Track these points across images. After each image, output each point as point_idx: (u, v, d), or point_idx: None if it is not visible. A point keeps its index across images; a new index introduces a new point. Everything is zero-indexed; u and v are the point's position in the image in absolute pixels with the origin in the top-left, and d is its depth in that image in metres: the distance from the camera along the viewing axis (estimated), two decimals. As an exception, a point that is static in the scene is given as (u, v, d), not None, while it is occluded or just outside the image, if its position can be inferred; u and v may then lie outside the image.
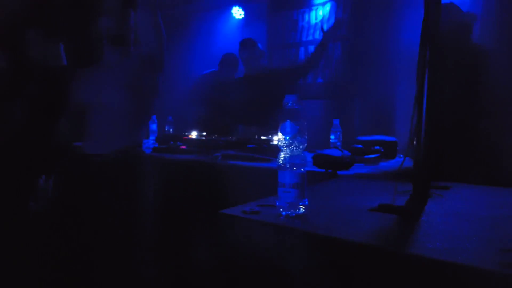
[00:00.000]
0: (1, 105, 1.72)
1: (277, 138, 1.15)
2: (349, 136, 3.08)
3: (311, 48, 5.33)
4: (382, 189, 1.53)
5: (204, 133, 3.37)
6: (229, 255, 1.15)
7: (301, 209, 1.12)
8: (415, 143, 1.32)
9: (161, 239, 2.25)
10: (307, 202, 1.14)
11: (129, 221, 1.92)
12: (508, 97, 2.36)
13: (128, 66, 1.98)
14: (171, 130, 4.11)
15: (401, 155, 2.74)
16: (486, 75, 2.38)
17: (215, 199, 2.22)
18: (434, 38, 1.30)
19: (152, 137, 3.70)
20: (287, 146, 1.13)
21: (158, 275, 2.15)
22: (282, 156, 1.14)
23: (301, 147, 1.14)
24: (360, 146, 2.56)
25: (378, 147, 2.58)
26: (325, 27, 3.69)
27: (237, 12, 6.07)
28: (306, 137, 1.14)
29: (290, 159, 1.12)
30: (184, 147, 3.02)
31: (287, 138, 1.13)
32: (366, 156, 2.48)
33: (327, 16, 5.25)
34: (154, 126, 3.91)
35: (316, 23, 5.22)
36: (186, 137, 3.19)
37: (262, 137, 2.76)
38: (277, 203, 1.14)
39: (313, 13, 5.37)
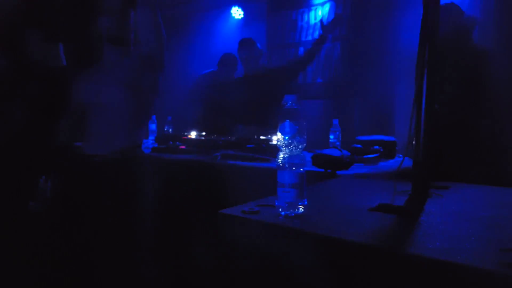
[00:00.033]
0: (1, 105, 1.72)
1: (276, 138, 1.15)
2: (348, 136, 3.08)
3: (316, 55, 5.34)
4: (381, 189, 1.53)
5: (204, 133, 3.37)
6: (228, 255, 1.15)
7: (301, 209, 1.12)
8: (414, 143, 1.32)
9: (160, 239, 2.25)
10: (306, 202, 1.14)
11: (128, 221, 1.92)
12: (508, 97, 2.37)
13: (128, 66, 1.97)
14: (170, 130, 4.11)
15: (401, 155, 2.74)
16: (486, 76, 2.38)
17: (215, 199, 2.22)
18: (433, 38, 1.30)
19: (151, 137, 3.70)
20: (286, 146, 1.13)
21: (157, 275, 2.15)
22: (281, 156, 1.14)
23: (300, 147, 1.14)
24: (359, 146, 2.56)
25: (377, 147, 2.58)
26: (325, 22, 3.69)
27: (237, 12, 6.07)
28: (305, 137, 1.14)
29: (289, 159, 1.12)
30: (183, 147, 3.02)
31: (286, 138, 1.13)
32: (365, 156, 2.48)
33: (326, 16, 5.26)
34: (153, 126, 3.91)
35: (315, 23, 5.23)
36: (185, 137, 3.19)
37: (262, 137, 2.76)
38: (277, 203, 1.14)
39: (312, 13, 5.37)
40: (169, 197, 2.45)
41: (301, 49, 5.35)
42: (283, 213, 1.12)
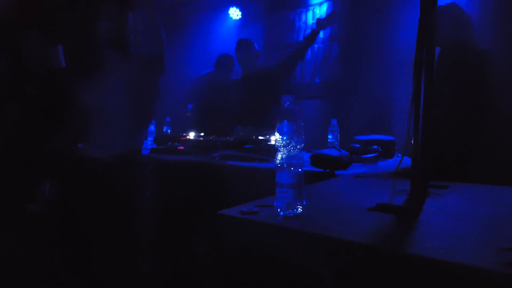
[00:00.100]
0: (0, 106, 1.72)
1: (275, 138, 1.15)
2: (347, 135, 3.08)
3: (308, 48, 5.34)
4: (380, 189, 1.53)
5: (202, 134, 3.37)
6: (227, 256, 1.15)
7: (299, 209, 1.12)
8: (412, 142, 1.32)
9: (159, 240, 2.24)
10: (305, 202, 1.14)
11: (128, 222, 1.92)
12: (507, 97, 2.37)
13: (128, 68, 1.96)
14: (169, 131, 4.11)
15: (399, 154, 2.75)
16: (487, 76, 2.38)
17: (213, 200, 2.22)
18: (430, 37, 1.29)
19: (150, 138, 3.70)
20: (284, 146, 1.13)
21: (157, 275, 2.14)
22: (279, 156, 1.14)
23: (298, 147, 1.14)
24: (358, 145, 2.56)
25: (376, 146, 2.58)
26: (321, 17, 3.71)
27: (234, 13, 6.07)
28: (304, 137, 1.14)
29: (287, 159, 1.12)
30: (182, 147, 3.02)
31: (285, 138, 1.12)
32: (364, 156, 2.48)
33: (324, 16, 5.26)
34: (152, 127, 3.91)
35: (313, 23, 5.24)
36: (184, 138, 3.19)
37: (260, 138, 2.76)
38: (275, 203, 1.14)
39: (310, 13, 5.38)
40: (168, 197, 2.45)
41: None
42: (281, 213, 1.12)
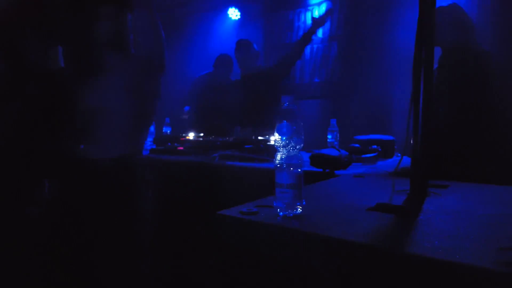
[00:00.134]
0: (0, 106, 1.72)
1: (274, 139, 1.15)
2: (346, 135, 3.08)
3: (307, 48, 5.33)
4: (380, 188, 1.53)
5: (202, 134, 3.37)
6: (227, 256, 1.15)
7: (299, 209, 1.12)
8: (412, 141, 1.32)
9: (159, 240, 2.24)
10: (304, 202, 1.14)
11: (127, 222, 1.92)
12: (507, 97, 2.37)
13: (128, 69, 1.96)
14: (168, 131, 4.11)
15: (399, 154, 2.75)
16: (487, 77, 2.38)
17: (213, 200, 2.22)
18: (429, 37, 1.30)
19: (149, 139, 3.70)
20: (283, 146, 1.13)
21: (156, 276, 2.14)
22: (279, 156, 1.14)
23: (298, 147, 1.14)
24: (357, 145, 2.56)
25: (375, 146, 2.58)
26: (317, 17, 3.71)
27: (233, 13, 6.07)
28: (303, 137, 1.14)
29: (287, 160, 1.12)
30: (181, 148, 3.02)
31: (284, 138, 1.13)
32: (363, 156, 2.48)
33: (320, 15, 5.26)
34: (151, 128, 3.90)
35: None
36: (183, 138, 3.19)
37: (259, 138, 2.76)
38: (275, 204, 1.14)
39: (309, 13, 5.38)
40: (168, 198, 2.45)
41: (299, 49, 5.35)
42: (281, 213, 1.12)
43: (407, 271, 0.82)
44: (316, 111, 5.19)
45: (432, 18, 1.31)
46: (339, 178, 1.90)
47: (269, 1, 5.84)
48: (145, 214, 2.02)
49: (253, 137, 2.82)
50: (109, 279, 1.83)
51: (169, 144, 3.18)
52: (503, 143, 2.32)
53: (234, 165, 2.43)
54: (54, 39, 1.80)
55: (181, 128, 4.24)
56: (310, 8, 5.42)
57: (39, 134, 1.75)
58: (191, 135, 3.27)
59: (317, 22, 3.64)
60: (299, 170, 1.12)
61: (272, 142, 2.64)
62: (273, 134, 1.15)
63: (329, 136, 3.04)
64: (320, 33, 5.31)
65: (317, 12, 5.27)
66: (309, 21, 5.34)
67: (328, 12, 3.76)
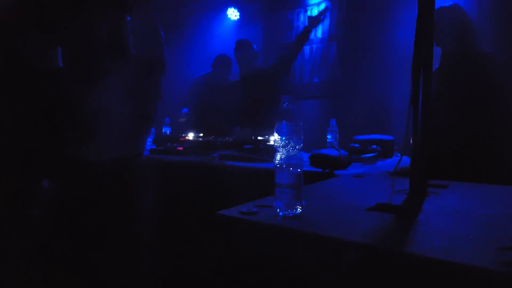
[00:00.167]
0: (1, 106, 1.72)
1: (274, 139, 1.15)
2: (346, 135, 3.08)
3: (306, 48, 5.35)
4: (379, 188, 1.53)
5: (201, 134, 3.37)
6: (226, 256, 1.15)
7: (298, 209, 1.12)
8: (412, 141, 1.33)
9: (158, 240, 2.24)
10: (304, 202, 1.14)
11: (126, 223, 1.92)
12: (506, 97, 2.37)
13: (129, 70, 1.95)
14: (168, 131, 4.11)
15: (398, 154, 2.75)
16: (488, 77, 2.38)
17: (212, 200, 2.22)
18: (428, 37, 1.30)
19: (149, 139, 3.70)
20: (283, 146, 1.13)
21: (156, 276, 2.14)
22: (278, 156, 1.14)
23: (297, 147, 1.14)
24: (357, 145, 2.56)
25: (375, 146, 2.58)
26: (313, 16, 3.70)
27: (233, 13, 6.07)
28: (303, 137, 1.14)
29: (286, 160, 1.12)
30: (181, 148, 3.02)
31: (284, 138, 1.13)
32: (363, 156, 2.48)
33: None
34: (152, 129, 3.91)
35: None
36: (183, 139, 3.19)
37: (259, 138, 2.76)
38: (274, 204, 1.14)
39: (308, 14, 5.37)
40: (167, 198, 2.45)
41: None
42: (281, 213, 1.12)
43: (406, 271, 0.82)
44: (316, 111, 5.19)
45: (431, 18, 1.31)
46: (339, 178, 1.90)
47: (269, 1, 5.84)
48: (145, 214, 2.02)
49: (253, 137, 2.82)
50: (109, 279, 1.83)
51: (169, 144, 3.18)
52: (502, 144, 2.33)
53: (233, 165, 2.43)
54: (53, 39, 1.80)
55: (181, 129, 4.25)
56: (309, 8, 5.42)
57: (39, 134, 1.75)
58: (190, 135, 3.27)
59: (313, 21, 3.63)
60: (299, 170, 1.12)
61: (271, 142, 2.64)
62: (272, 134, 1.15)
63: (329, 136, 3.04)
64: (319, 33, 5.31)
65: (317, 11, 5.27)
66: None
67: (323, 10, 3.74)
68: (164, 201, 2.41)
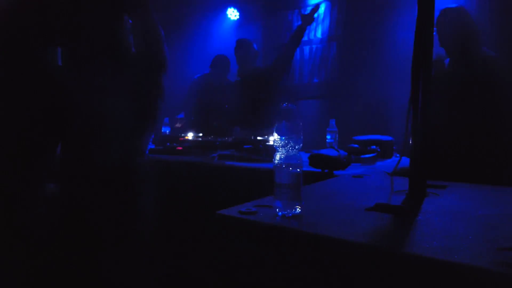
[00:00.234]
0: (1, 106, 1.72)
1: (273, 139, 1.15)
2: (345, 135, 3.08)
3: (306, 48, 5.35)
4: (378, 189, 1.53)
5: (201, 134, 3.37)
6: (226, 256, 1.15)
7: (298, 209, 1.12)
8: (411, 142, 1.33)
9: (157, 240, 2.24)
10: (303, 203, 1.14)
11: (127, 223, 1.92)
12: (506, 97, 2.37)
13: (129, 70, 1.95)
14: (167, 131, 4.11)
15: (398, 154, 2.75)
16: (491, 80, 2.39)
17: (212, 200, 2.22)
18: (428, 37, 1.30)
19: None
20: (283, 146, 1.13)
21: (155, 276, 2.14)
22: (278, 156, 1.14)
23: (297, 147, 1.14)
24: (356, 145, 2.56)
25: (374, 146, 2.58)
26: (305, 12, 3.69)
27: (232, 13, 6.07)
28: (302, 137, 1.14)
29: (286, 160, 1.12)
30: (180, 148, 3.02)
31: (283, 138, 1.13)
32: (362, 156, 2.49)
33: (322, 16, 5.26)
34: (152, 129, 3.90)
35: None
36: (182, 138, 3.19)
37: (258, 138, 2.76)
38: (274, 204, 1.14)
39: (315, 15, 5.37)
40: (167, 198, 2.44)
41: (297, 49, 5.34)
42: (280, 213, 1.12)
43: (405, 271, 0.82)
44: (315, 111, 5.19)
45: (431, 18, 1.31)
46: (338, 178, 1.90)
47: (268, 2, 5.84)
48: (145, 214, 2.02)
49: (252, 137, 2.82)
50: (109, 279, 1.83)
51: (168, 144, 3.18)
52: (502, 145, 2.33)
53: (233, 165, 2.43)
54: (53, 39, 1.80)
55: (181, 128, 4.25)
56: (309, 8, 5.42)
57: (39, 135, 1.75)
58: (190, 135, 3.27)
59: (306, 18, 3.62)
60: (298, 170, 1.13)
61: (271, 142, 2.64)
62: (272, 134, 1.15)
63: (328, 136, 3.04)
64: (319, 33, 5.31)
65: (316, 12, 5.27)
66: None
67: (315, 7, 3.72)
68: (163, 200, 2.41)
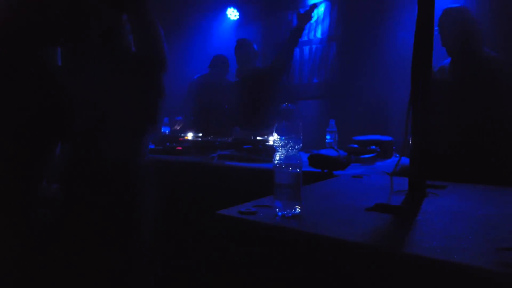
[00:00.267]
0: (1, 106, 1.72)
1: (273, 139, 1.15)
2: (345, 136, 3.08)
3: (306, 49, 5.35)
4: (378, 189, 1.53)
5: (200, 134, 3.37)
6: (225, 256, 1.15)
7: (297, 209, 1.12)
8: (410, 142, 1.33)
9: (157, 240, 2.24)
10: (303, 203, 1.14)
11: (126, 223, 1.92)
12: (505, 98, 2.37)
13: (128, 69, 1.95)
14: (167, 131, 4.11)
15: (397, 155, 2.75)
16: (491, 79, 2.38)
17: (212, 200, 2.22)
18: (428, 38, 1.30)
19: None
20: (282, 146, 1.13)
21: (154, 276, 2.14)
22: (277, 156, 1.14)
23: (296, 147, 1.14)
24: (356, 146, 2.56)
25: (374, 146, 2.58)
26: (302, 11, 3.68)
27: (232, 13, 6.07)
28: (302, 137, 1.14)
29: (285, 160, 1.12)
30: (180, 148, 3.02)
31: (283, 138, 1.13)
32: (362, 156, 2.49)
33: (321, 16, 5.26)
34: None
35: (311, 24, 5.23)
36: (182, 138, 3.20)
37: (258, 138, 2.76)
38: (273, 204, 1.14)
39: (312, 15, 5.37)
40: (166, 198, 2.44)
41: (297, 49, 5.34)
42: (280, 213, 1.12)
43: (405, 271, 0.82)
44: (315, 111, 5.19)
45: (431, 18, 1.31)
46: (338, 178, 1.90)
47: (268, 2, 5.83)
48: (145, 214, 2.02)
49: (252, 138, 2.83)
50: (109, 278, 1.83)
51: (168, 144, 3.18)
52: (502, 145, 2.33)
53: (232, 165, 2.43)
54: (53, 39, 1.80)
55: (179, 131, 4.25)
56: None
57: (39, 135, 1.75)
58: (189, 135, 3.27)
59: (302, 17, 3.61)
60: (298, 170, 1.13)
61: (271, 142, 2.65)
62: (272, 134, 1.15)
63: (328, 137, 3.04)
64: (319, 33, 5.31)
65: (316, 12, 5.27)
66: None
67: (312, 7, 3.70)
68: (162, 201, 2.41)
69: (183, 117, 4.45)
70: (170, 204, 2.45)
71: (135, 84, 1.90)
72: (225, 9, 6.09)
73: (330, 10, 5.20)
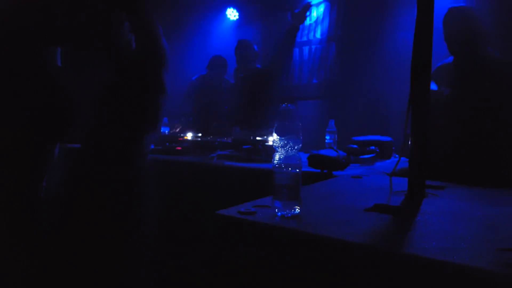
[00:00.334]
0: (1, 106, 1.72)
1: (272, 139, 1.15)
2: (344, 136, 3.08)
3: (305, 49, 5.35)
4: (377, 189, 1.53)
5: (200, 135, 3.37)
6: (225, 256, 1.15)
7: (297, 209, 1.12)
8: (410, 143, 1.33)
9: (156, 240, 2.24)
10: (302, 203, 1.14)
11: (125, 222, 1.92)
12: (505, 98, 2.37)
13: (128, 68, 1.95)
14: (166, 131, 4.11)
15: (397, 155, 2.75)
16: (492, 80, 2.38)
17: (211, 200, 2.22)
18: (428, 38, 1.30)
19: (149, 139, 3.68)
20: (282, 146, 1.13)
21: (154, 276, 2.14)
22: (277, 156, 1.14)
23: (296, 147, 1.14)
24: (355, 146, 2.56)
25: (373, 147, 2.59)
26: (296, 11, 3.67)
27: (232, 14, 6.06)
28: (301, 137, 1.14)
29: (285, 160, 1.12)
30: (179, 148, 3.02)
31: (282, 139, 1.13)
32: (361, 156, 2.49)
33: (321, 16, 5.26)
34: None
35: (310, 24, 5.23)
36: (181, 138, 3.19)
37: (258, 138, 2.76)
38: (273, 204, 1.14)
39: (307, 14, 5.36)
40: (165, 198, 2.44)
41: (296, 50, 5.34)
42: (279, 213, 1.12)
43: (404, 272, 0.82)
44: (315, 111, 5.18)
45: (431, 18, 1.31)
46: (337, 178, 1.90)
47: (268, 2, 5.83)
48: (145, 214, 2.02)
49: (252, 138, 2.82)
50: (109, 279, 1.83)
51: (167, 144, 3.18)
52: (502, 147, 2.32)
53: (232, 166, 2.43)
54: (53, 39, 1.80)
55: (178, 132, 4.24)
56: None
57: (39, 135, 1.75)
58: (189, 136, 3.27)
59: (297, 17, 3.60)
60: (297, 170, 1.13)
61: (270, 143, 2.65)
62: (271, 135, 1.15)
63: (327, 137, 3.04)
64: (318, 33, 5.31)
65: (316, 12, 5.27)
66: (307, 21, 5.35)
67: (306, 6, 3.69)
68: (162, 201, 2.41)
69: (179, 121, 4.44)
70: (169, 204, 2.45)
71: (135, 83, 1.90)
72: (225, 10, 6.08)
73: (329, 11, 5.19)
